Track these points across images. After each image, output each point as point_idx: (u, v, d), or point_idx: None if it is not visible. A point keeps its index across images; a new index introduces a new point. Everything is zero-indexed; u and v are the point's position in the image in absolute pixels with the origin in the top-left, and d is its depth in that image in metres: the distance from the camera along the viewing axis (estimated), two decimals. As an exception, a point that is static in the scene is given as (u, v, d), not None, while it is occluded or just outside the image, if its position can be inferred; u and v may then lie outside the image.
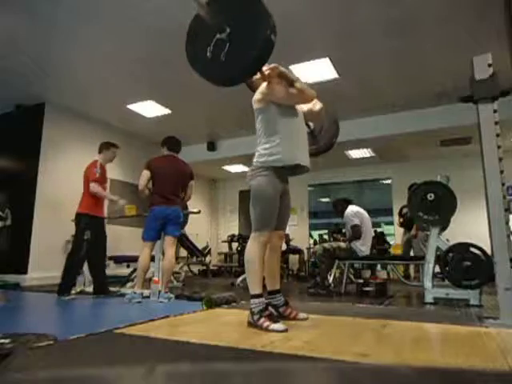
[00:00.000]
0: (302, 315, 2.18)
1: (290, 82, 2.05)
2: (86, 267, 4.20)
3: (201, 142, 7.65)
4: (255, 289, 1.98)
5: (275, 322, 1.88)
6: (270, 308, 2.02)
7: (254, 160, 2.12)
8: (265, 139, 2.10)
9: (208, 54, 1.78)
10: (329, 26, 4.05)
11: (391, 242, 7.83)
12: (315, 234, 9.00)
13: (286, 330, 1.81)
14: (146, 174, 3.59)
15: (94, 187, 3.74)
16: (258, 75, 2.08)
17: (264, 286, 2.06)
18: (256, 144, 2.17)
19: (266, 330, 1.83)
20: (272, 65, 2.02)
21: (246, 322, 1.97)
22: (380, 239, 7.44)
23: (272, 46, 1.70)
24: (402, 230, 6.56)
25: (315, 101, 2.31)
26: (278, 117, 2.09)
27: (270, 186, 2.03)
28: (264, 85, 2.10)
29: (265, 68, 2.00)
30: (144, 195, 3.62)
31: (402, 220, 6.45)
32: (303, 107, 2.30)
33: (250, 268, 2.02)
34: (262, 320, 1.88)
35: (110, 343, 1.65)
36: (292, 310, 2.20)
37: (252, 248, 2.02)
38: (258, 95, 2.14)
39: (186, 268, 6.77)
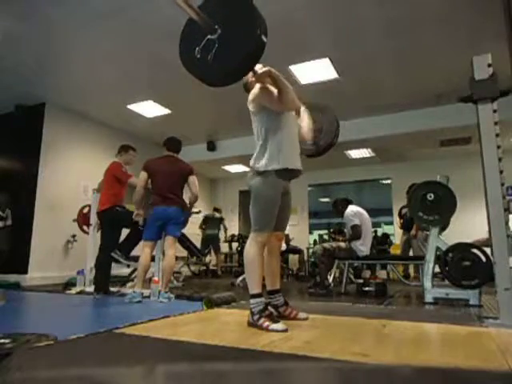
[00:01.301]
0: (301, 315, 2.19)
1: (277, 86, 2.02)
2: (88, 266, 4.27)
3: (201, 142, 7.65)
4: (255, 288, 1.98)
5: (275, 321, 1.88)
6: (269, 308, 2.02)
7: (251, 163, 2.13)
8: (259, 143, 2.11)
9: (197, 53, 1.80)
10: (329, 26, 4.05)
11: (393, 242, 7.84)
12: (315, 234, 9.01)
13: (286, 330, 1.81)
14: (142, 175, 3.60)
15: (134, 180, 3.84)
16: (251, 77, 2.09)
17: (264, 286, 2.06)
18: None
19: (266, 329, 1.83)
20: (265, 68, 2.00)
21: (246, 322, 1.98)
22: (383, 240, 7.44)
23: (263, 46, 1.71)
24: (401, 229, 6.55)
25: (309, 130, 2.34)
26: (270, 120, 2.09)
27: (269, 186, 2.04)
28: (257, 86, 2.10)
29: (258, 67, 2.00)
30: (139, 196, 3.60)
31: (402, 221, 6.44)
32: (301, 129, 2.33)
33: (249, 268, 2.03)
34: (262, 320, 1.88)
35: (110, 343, 1.66)
36: (292, 309, 2.20)
37: (251, 248, 2.02)
38: (250, 96, 2.14)
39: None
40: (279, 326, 1.84)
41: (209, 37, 1.77)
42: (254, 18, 1.71)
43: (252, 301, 1.97)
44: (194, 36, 1.84)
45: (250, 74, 2.07)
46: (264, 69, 2.00)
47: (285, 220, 2.25)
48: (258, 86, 2.09)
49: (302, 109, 2.44)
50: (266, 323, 1.86)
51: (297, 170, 2.12)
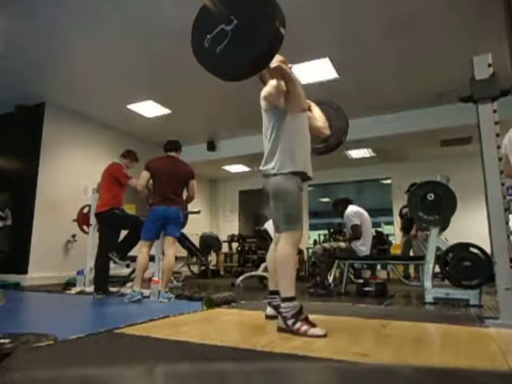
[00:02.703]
0: (302, 315, 2.16)
1: (286, 85, 1.94)
2: (88, 266, 4.26)
3: (201, 142, 7.65)
4: (289, 292, 1.84)
5: (313, 325, 1.76)
6: (303, 311, 1.85)
7: (262, 166, 2.02)
8: (270, 143, 1.99)
9: (206, 43, 1.70)
10: (329, 26, 4.05)
11: (393, 242, 7.81)
12: (315, 234, 9.00)
13: (325, 335, 1.70)
14: (144, 174, 3.62)
15: (133, 182, 3.85)
16: (265, 70, 2.00)
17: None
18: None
19: (305, 334, 1.71)
20: (277, 63, 1.91)
21: (276, 327, 1.85)
22: (379, 239, 7.39)
23: (281, 38, 1.63)
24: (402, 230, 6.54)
25: (324, 123, 2.28)
26: (283, 119, 1.98)
27: (291, 182, 1.93)
28: (270, 83, 1.96)
29: (274, 60, 1.88)
30: (143, 195, 3.64)
31: (402, 222, 6.43)
32: (316, 122, 2.27)
33: (283, 270, 1.87)
34: (299, 324, 1.75)
35: (110, 343, 1.65)
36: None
37: (284, 249, 1.88)
38: (262, 92, 2.03)
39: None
40: (319, 330, 1.72)
41: (223, 27, 1.65)
42: (272, 9, 1.61)
43: (285, 305, 1.81)
44: (207, 24, 1.72)
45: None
46: (275, 64, 1.89)
47: None
48: (270, 82, 1.95)
49: (313, 104, 2.35)
50: (304, 327, 1.73)
51: (307, 174, 2.02)
